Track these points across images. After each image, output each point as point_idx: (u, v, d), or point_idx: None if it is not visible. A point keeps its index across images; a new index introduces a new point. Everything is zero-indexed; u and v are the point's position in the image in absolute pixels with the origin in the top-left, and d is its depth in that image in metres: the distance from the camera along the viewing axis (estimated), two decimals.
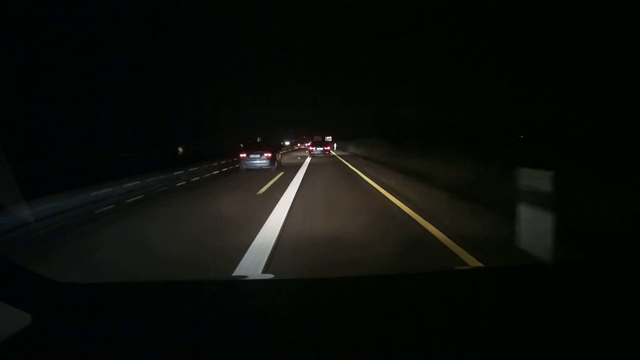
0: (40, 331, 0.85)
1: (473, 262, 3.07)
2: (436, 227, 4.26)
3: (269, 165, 13.84)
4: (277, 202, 6.20)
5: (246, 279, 1.97)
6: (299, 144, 63.10)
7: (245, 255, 3.35)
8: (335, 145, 35.81)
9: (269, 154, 13.91)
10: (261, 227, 4.42)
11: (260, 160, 13.79)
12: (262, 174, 11.81)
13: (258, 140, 17.07)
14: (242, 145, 15.12)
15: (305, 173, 12.15)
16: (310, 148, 24.89)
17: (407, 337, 0.84)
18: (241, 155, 14.09)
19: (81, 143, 14.48)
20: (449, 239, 3.76)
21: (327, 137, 40.42)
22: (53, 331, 0.86)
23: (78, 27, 15.95)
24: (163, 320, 0.94)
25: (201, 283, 1.38)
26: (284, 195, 7.06)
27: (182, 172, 10.18)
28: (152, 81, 21.38)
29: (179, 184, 9.41)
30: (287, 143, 59.82)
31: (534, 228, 2.98)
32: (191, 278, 2.25)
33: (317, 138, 31.81)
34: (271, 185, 8.86)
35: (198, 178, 10.83)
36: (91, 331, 0.88)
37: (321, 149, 23.86)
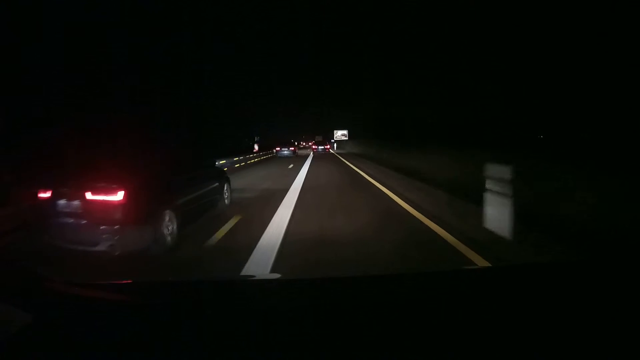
0: (40, 331, 0.86)
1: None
2: (362, 171, 15.91)
3: (292, 154, 26.06)
4: (305, 161, 18.00)
5: (253, 278, 2.07)
6: (303, 143, 62.50)
7: (295, 182, 15.08)
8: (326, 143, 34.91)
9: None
10: (304, 163, 16.19)
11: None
12: (289, 158, 23.95)
13: (255, 139, 32.52)
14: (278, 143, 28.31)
15: (312, 158, 24.06)
16: (314, 147, 30.30)
17: (412, 337, 0.84)
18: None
19: None
20: (370, 178, 15.43)
21: (343, 132, 36.86)
22: (53, 331, 0.87)
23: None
24: (165, 321, 0.93)
25: (204, 283, 1.41)
26: (306, 160, 18.89)
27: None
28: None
29: (258, 159, 21.53)
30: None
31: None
32: (195, 278, 2.35)
33: (319, 138, 36.75)
34: (297, 161, 20.67)
35: (267, 156, 23.97)
36: (92, 331, 0.88)
37: (322, 147, 29.66)
